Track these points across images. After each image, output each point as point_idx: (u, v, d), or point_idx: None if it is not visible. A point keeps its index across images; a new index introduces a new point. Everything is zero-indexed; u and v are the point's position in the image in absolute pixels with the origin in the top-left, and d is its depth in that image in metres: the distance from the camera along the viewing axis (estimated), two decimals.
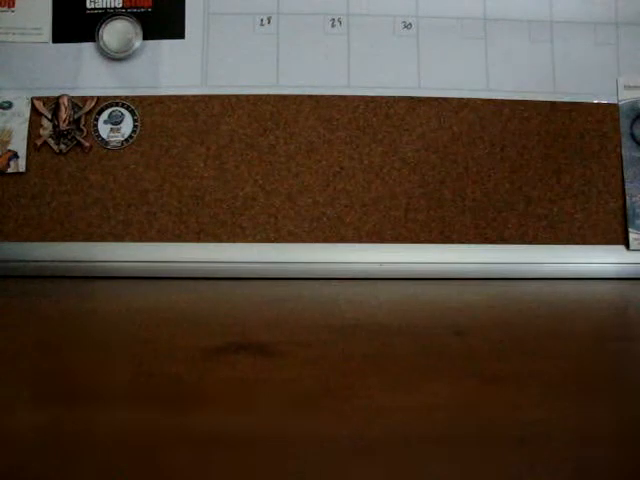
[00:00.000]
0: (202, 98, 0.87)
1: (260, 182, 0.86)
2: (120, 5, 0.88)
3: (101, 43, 0.87)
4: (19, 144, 0.86)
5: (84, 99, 0.87)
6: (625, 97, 0.89)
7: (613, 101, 0.89)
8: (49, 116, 0.86)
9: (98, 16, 0.88)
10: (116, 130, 0.86)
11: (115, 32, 0.87)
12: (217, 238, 0.85)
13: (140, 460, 0.22)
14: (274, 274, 0.83)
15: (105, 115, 0.87)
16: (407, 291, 0.75)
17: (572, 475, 0.21)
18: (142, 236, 0.84)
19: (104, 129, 0.87)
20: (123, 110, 0.87)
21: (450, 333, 0.46)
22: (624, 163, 0.88)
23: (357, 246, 0.85)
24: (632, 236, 0.86)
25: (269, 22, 0.88)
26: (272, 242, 0.85)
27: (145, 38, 0.88)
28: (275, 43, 0.88)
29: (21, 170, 0.85)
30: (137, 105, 0.87)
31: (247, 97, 0.87)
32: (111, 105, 0.87)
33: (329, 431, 0.24)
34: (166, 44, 0.88)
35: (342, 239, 0.85)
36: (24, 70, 0.87)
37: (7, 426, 0.25)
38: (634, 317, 0.60)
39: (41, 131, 0.86)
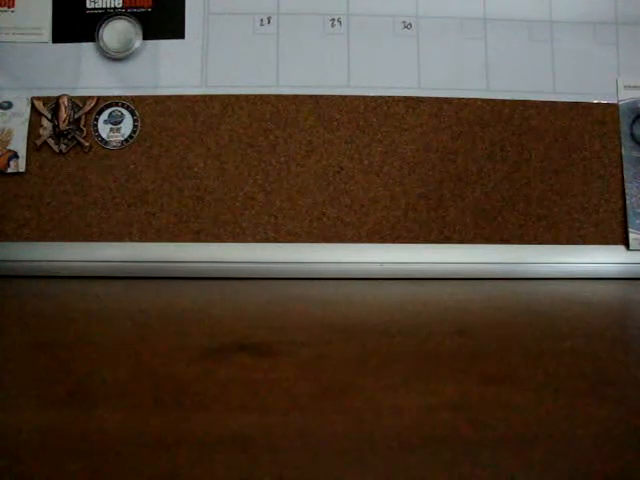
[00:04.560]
0: (202, 98, 0.87)
1: (260, 182, 0.86)
2: (120, 5, 0.88)
3: (101, 43, 0.87)
4: (19, 144, 0.86)
5: (84, 99, 0.87)
6: (625, 97, 0.89)
7: (613, 101, 0.89)
8: (49, 116, 0.86)
9: (98, 16, 0.88)
10: (116, 130, 0.86)
11: (115, 32, 0.87)
12: (217, 238, 0.85)
13: (140, 460, 0.21)
14: (274, 274, 0.83)
15: (105, 115, 0.87)
16: (407, 291, 0.75)
17: (572, 475, 0.21)
18: (142, 236, 0.84)
19: (104, 129, 0.87)
20: (123, 110, 0.87)
21: (450, 333, 0.46)
22: (624, 163, 0.88)
23: (357, 246, 0.85)
24: (632, 236, 0.86)
25: (269, 22, 0.88)
26: (272, 242, 0.85)
27: (145, 38, 0.88)
28: (275, 43, 0.88)
29: (21, 170, 0.85)
30: (137, 105, 0.87)
31: (247, 97, 0.87)
32: (111, 105, 0.87)
33: (329, 431, 0.24)
34: (166, 44, 0.88)
35: (342, 239, 0.85)
36: (24, 70, 0.87)
37: (7, 426, 0.25)
38: (634, 317, 0.60)
39: (41, 131, 0.86)
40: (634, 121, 0.89)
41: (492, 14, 0.90)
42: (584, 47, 0.90)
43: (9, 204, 0.85)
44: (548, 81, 0.89)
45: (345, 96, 0.88)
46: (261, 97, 0.87)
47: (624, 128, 0.89)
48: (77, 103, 0.87)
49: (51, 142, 0.86)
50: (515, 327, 0.50)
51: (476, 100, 0.88)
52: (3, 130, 0.86)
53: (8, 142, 0.86)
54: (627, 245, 0.87)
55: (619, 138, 0.88)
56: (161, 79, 0.88)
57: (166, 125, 0.87)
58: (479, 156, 0.87)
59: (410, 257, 0.85)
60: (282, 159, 0.86)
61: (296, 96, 0.87)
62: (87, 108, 0.87)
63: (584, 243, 0.87)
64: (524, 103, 0.88)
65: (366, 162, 0.87)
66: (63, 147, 0.86)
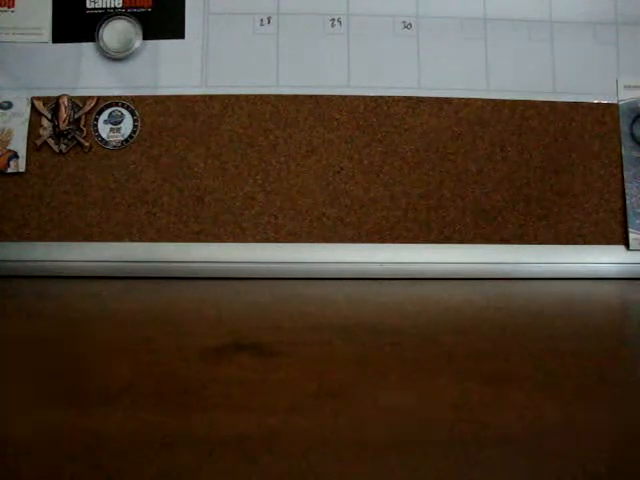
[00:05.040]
0: (202, 98, 0.87)
1: (260, 182, 0.86)
2: (120, 5, 0.88)
3: (101, 43, 0.87)
4: (19, 144, 0.86)
5: (84, 99, 0.87)
6: (625, 97, 0.89)
7: (613, 101, 0.89)
8: (49, 116, 0.86)
9: (98, 16, 0.88)
10: (116, 130, 0.86)
11: (115, 32, 0.87)
12: (217, 238, 0.85)
13: (140, 460, 0.21)
14: (274, 274, 0.83)
15: (105, 115, 0.87)
16: (407, 291, 0.75)
17: (572, 475, 0.21)
18: (142, 236, 0.84)
19: (104, 129, 0.87)
20: (123, 110, 0.87)
21: (450, 333, 0.46)
22: (624, 163, 0.88)
23: (357, 246, 0.85)
24: (632, 236, 0.86)
25: (269, 22, 0.88)
26: (272, 242, 0.85)
27: (145, 38, 0.88)
28: (275, 43, 0.88)
29: (21, 170, 0.85)
30: (137, 105, 0.87)
31: (247, 97, 0.87)
32: (111, 105, 0.87)
33: (329, 431, 0.24)
34: (166, 44, 0.88)
35: (342, 239, 0.85)
36: (24, 70, 0.87)
37: (8, 426, 0.25)
38: (634, 317, 0.60)
39: (41, 131, 0.86)
40: (634, 121, 0.89)
41: (492, 14, 0.90)
42: (584, 47, 0.90)
43: (9, 204, 0.85)
44: (548, 81, 0.89)
45: (345, 96, 0.88)
46: (261, 97, 0.87)
47: (624, 128, 0.89)
48: (77, 103, 0.87)
49: (51, 142, 0.86)
50: (515, 327, 0.50)
51: (476, 100, 0.88)
52: (3, 130, 0.86)
53: (8, 142, 0.86)
54: (627, 245, 0.87)
55: (619, 138, 0.88)
56: (161, 79, 0.88)
57: (166, 125, 0.86)
58: (479, 156, 0.87)
59: (410, 257, 0.85)
60: (282, 159, 0.86)
61: (296, 96, 0.87)
62: (87, 108, 0.87)
63: (584, 243, 0.87)
64: (524, 103, 0.88)
65: (366, 162, 0.87)
66: (63, 147, 0.86)
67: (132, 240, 0.84)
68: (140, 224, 0.85)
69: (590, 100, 0.89)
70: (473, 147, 0.87)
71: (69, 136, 0.86)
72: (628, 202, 0.87)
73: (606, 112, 0.89)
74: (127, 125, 0.86)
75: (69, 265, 0.83)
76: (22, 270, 0.82)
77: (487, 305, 0.65)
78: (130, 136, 0.86)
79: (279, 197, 0.86)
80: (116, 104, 0.87)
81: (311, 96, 0.87)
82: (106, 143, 0.86)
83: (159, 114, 0.87)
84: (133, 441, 0.23)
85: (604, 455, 0.22)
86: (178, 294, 0.70)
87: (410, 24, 0.89)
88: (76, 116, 0.86)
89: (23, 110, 0.87)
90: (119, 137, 0.86)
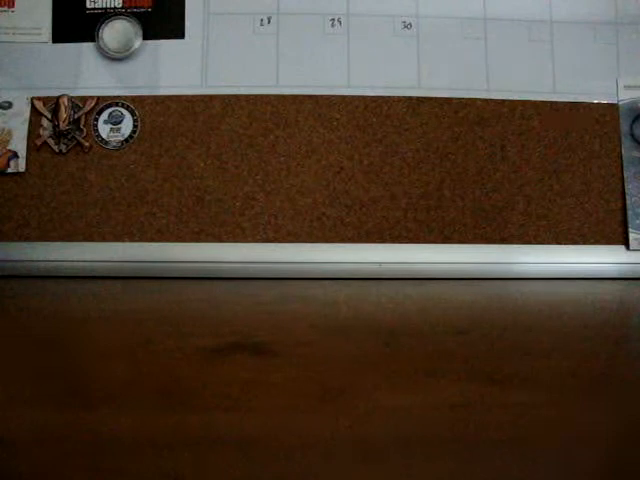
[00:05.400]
0: (202, 98, 0.87)
1: (260, 182, 0.86)
2: (120, 5, 0.88)
3: (101, 43, 0.87)
4: (19, 144, 0.86)
5: (84, 99, 0.87)
6: (625, 97, 0.89)
7: (613, 101, 0.89)
8: (49, 116, 0.86)
9: (98, 16, 0.88)
10: (116, 130, 0.86)
11: (115, 32, 0.87)
12: (217, 238, 0.85)
13: (140, 460, 0.21)
14: (274, 274, 0.83)
15: (105, 115, 0.87)
16: (407, 291, 0.75)
17: (572, 475, 0.21)
18: (142, 236, 0.84)
19: (104, 129, 0.86)
20: (123, 110, 0.87)
21: (450, 333, 0.46)
22: (624, 163, 0.88)
23: (357, 246, 0.85)
24: (632, 236, 0.86)
25: (269, 22, 0.88)
26: (272, 242, 0.85)
27: (145, 38, 0.88)
28: (275, 43, 0.88)
29: (21, 170, 0.85)
30: (137, 105, 0.87)
31: (247, 97, 0.87)
32: (111, 105, 0.87)
33: (329, 431, 0.24)
34: (166, 44, 0.88)
35: (342, 239, 0.85)
36: (24, 70, 0.87)
37: (7, 426, 0.25)
38: (634, 317, 0.60)
39: (41, 131, 0.86)
40: (634, 121, 0.89)
41: (492, 14, 0.90)
42: (584, 47, 0.90)
43: (9, 204, 0.85)
44: (548, 81, 0.89)
45: (345, 96, 0.88)
46: (261, 97, 0.87)
47: (624, 128, 0.89)
48: (77, 103, 0.87)
49: (51, 142, 0.86)
50: (515, 327, 0.50)
51: (476, 100, 0.88)
52: (3, 130, 0.86)
53: (8, 142, 0.86)
54: (627, 245, 0.87)
55: (619, 138, 0.88)
56: (161, 79, 0.88)
57: (166, 125, 0.86)
58: (479, 156, 0.87)
59: (410, 257, 0.85)
60: (282, 159, 0.86)
61: (296, 96, 0.87)
62: (87, 108, 0.87)
63: (584, 243, 0.87)
64: (524, 103, 0.88)
65: (366, 162, 0.87)
66: (63, 147, 0.86)
67: (132, 240, 0.84)
68: (140, 224, 0.85)
69: (590, 100, 0.89)
70: (473, 147, 0.87)
71: (69, 136, 0.86)
72: (628, 202, 0.87)
73: (606, 112, 0.89)
74: (127, 125, 0.86)
75: (69, 265, 0.83)
76: (22, 270, 0.82)
77: (487, 305, 0.65)
78: (130, 136, 0.86)
79: (279, 197, 0.86)
80: (116, 104, 0.87)
81: (311, 96, 0.87)
82: (106, 143, 0.86)
83: (159, 114, 0.87)
84: (133, 441, 0.23)
85: (604, 455, 0.22)
86: (178, 294, 0.70)
87: (410, 24, 0.89)
88: (76, 116, 0.86)
89: (23, 110, 0.87)
90: (119, 137, 0.86)
